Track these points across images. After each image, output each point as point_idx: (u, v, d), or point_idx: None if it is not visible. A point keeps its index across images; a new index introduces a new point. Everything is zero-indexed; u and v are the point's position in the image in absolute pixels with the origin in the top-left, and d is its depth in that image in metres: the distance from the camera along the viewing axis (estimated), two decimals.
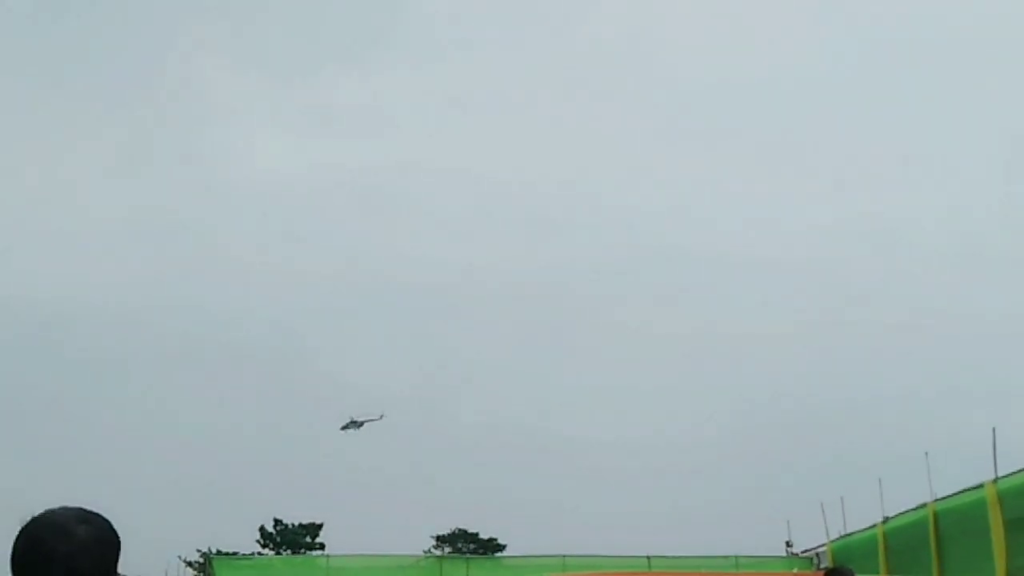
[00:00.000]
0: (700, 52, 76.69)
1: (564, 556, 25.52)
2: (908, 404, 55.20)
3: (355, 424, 55.94)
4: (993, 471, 17.10)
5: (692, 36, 78.60)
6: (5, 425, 56.58)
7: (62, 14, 74.46)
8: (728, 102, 76.20)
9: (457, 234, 71.85)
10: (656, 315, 66.61)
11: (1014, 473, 16.49)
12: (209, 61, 74.66)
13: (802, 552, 26.59)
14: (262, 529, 56.24)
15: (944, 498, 18.98)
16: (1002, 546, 16.16)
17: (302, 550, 53.30)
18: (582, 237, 74.02)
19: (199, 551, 47.79)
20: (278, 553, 53.51)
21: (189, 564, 46.01)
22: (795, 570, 23.32)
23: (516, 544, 48.86)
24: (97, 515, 2.61)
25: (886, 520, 21.48)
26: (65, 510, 2.59)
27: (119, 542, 2.62)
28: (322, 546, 52.82)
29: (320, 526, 55.87)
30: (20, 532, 2.54)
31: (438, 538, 56.60)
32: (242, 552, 48.53)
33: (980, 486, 17.16)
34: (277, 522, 56.40)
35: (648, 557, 24.43)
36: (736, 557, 26.06)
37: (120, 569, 2.65)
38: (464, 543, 56.79)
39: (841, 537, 23.78)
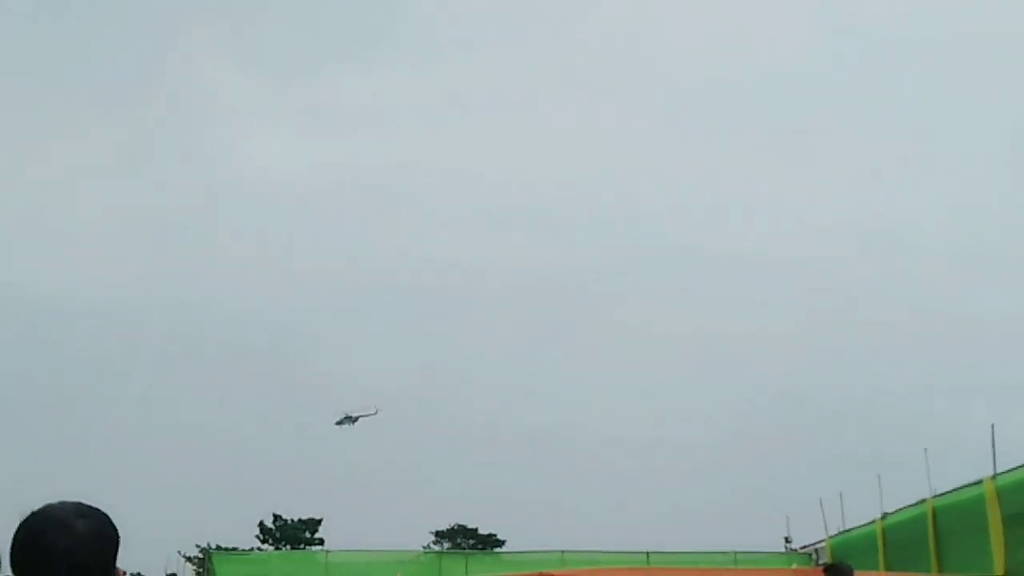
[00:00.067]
0: (700, 51, 76.66)
1: (563, 552, 25.55)
2: (907, 401, 55.28)
3: (349, 419, 55.96)
4: (992, 467, 17.14)
5: (692, 35, 78.55)
6: (5, 422, 56.62)
7: (62, 14, 74.49)
8: (728, 101, 76.17)
9: (456, 233, 71.77)
10: (655, 314, 66.55)
11: (1013, 469, 16.53)
12: (209, 61, 74.66)
13: (801, 548, 26.64)
14: (261, 524, 56.30)
15: (943, 494, 19.02)
16: (1000, 541, 16.19)
17: (301, 545, 53.33)
18: (581, 236, 73.99)
19: (198, 546, 47.82)
20: (277, 548, 53.54)
21: (189, 559, 45.97)
22: (794, 566, 23.33)
23: (515, 540, 48.89)
24: (96, 510, 2.61)
25: (885, 516, 21.51)
26: (64, 505, 2.59)
27: (118, 537, 2.62)
28: (321, 541, 52.82)
29: (319, 521, 55.92)
30: (19, 527, 2.54)
31: (437, 534, 56.65)
32: (241, 547, 48.64)
33: (979, 482, 17.21)
34: (276, 517, 56.45)
35: (647, 553, 24.46)
36: (735, 553, 26.08)
37: (120, 565, 2.65)
38: (463, 539, 56.83)
39: (840, 533, 23.81)
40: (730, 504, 49.82)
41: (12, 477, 40.52)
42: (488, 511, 57.01)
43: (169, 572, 39.88)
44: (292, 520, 56.34)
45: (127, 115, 74.92)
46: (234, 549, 46.38)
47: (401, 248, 70.18)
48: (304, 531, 55.98)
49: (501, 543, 53.47)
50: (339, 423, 55.96)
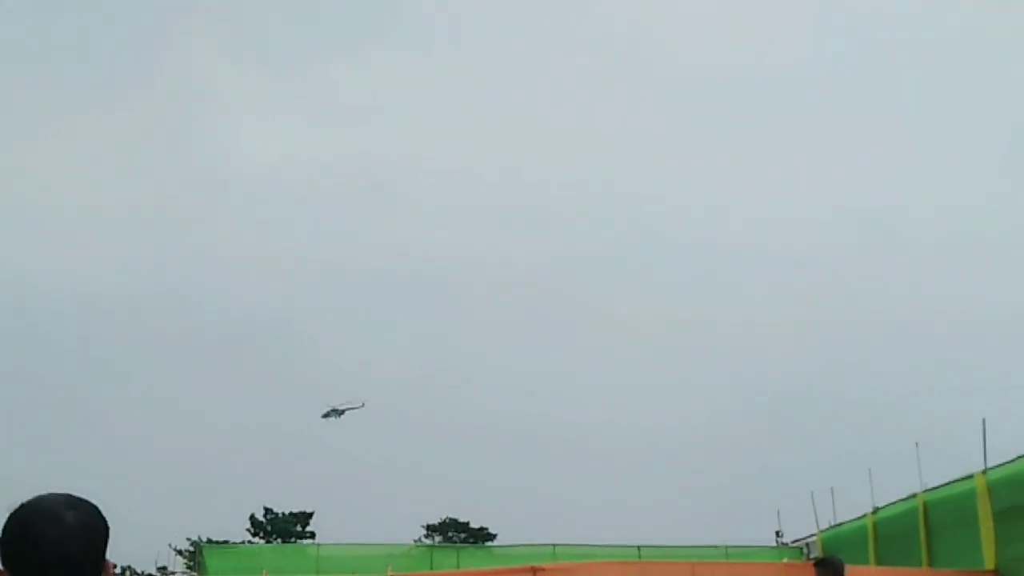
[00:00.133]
0: (698, 48, 76.77)
1: (554, 545, 25.58)
2: (898, 395, 55.43)
3: (336, 412, 56.01)
4: (983, 462, 17.17)
5: (691, 32, 78.60)
6: None
7: (60, 7, 74.31)
8: (725, 98, 76.41)
9: (451, 225, 71.83)
10: (649, 309, 66.76)
11: (1004, 464, 16.55)
12: (206, 55, 74.64)
13: (792, 542, 26.66)
14: (252, 518, 56.23)
15: (934, 488, 19.05)
16: (991, 536, 16.23)
17: (293, 539, 53.31)
18: (577, 231, 74.09)
19: (189, 539, 47.87)
20: (268, 542, 53.50)
21: (179, 553, 46.05)
22: (785, 560, 23.36)
23: (507, 533, 49.04)
24: (86, 501, 2.59)
25: (876, 510, 21.54)
26: (54, 496, 2.57)
27: (107, 528, 2.60)
28: (312, 535, 52.85)
29: (311, 515, 55.90)
30: (9, 518, 2.52)
31: (429, 527, 56.69)
32: (232, 541, 48.57)
33: (970, 477, 17.23)
34: (267, 511, 56.39)
35: (638, 547, 24.46)
36: (726, 547, 26.13)
37: (110, 557, 2.63)
38: (455, 532, 56.86)
39: (831, 527, 23.84)
40: (721, 498, 50.02)
41: (3, 469, 40.48)
42: (479, 505, 57.23)
43: (160, 565, 39.94)
44: (283, 513, 56.30)
45: (123, 106, 74.87)
46: (225, 542, 46.25)
47: (394, 242, 70.24)
48: (295, 524, 55.94)
49: (492, 537, 53.52)
50: (325, 416, 56.04)
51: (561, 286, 70.71)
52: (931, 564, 17.99)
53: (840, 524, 23.45)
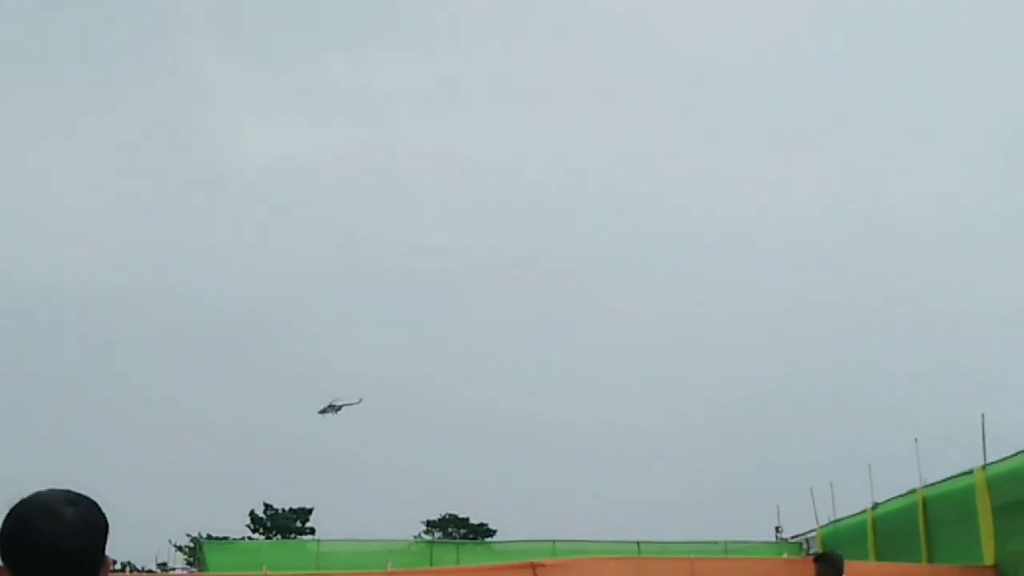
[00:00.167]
0: (700, 47, 76.77)
1: (554, 541, 25.60)
2: (898, 391, 55.49)
3: (333, 408, 55.94)
4: (982, 457, 17.18)
5: (689, 26, 78.59)
6: None
7: (60, 7, 74.32)
8: (724, 93, 76.26)
9: (448, 220, 71.81)
10: (646, 303, 66.73)
11: (1003, 459, 16.56)
12: (206, 52, 74.55)
13: (791, 538, 26.69)
14: (252, 514, 56.27)
15: (933, 484, 19.06)
16: (990, 532, 16.24)
17: (292, 535, 53.35)
18: (573, 224, 74.11)
19: (189, 536, 47.90)
20: (268, 538, 53.52)
21: (179, 549, 46.04)
22: (784, 556, 23.39)
23: (506, 529, 49.04)
24: (85, 497, 2.59)
25: (875, 506, 21.56)
26: (53, 492, 2.57)
27: (107, 525, 2.60)
28: (312, 531, 52.87)
29: (310, 511, 55.93)
30: (8, 514, 2.53)
31: (428, 523, 56.72)
32: (232, 537, 48.64)
33: (969, 472, 17.24)
34: (267, 507, 56.43)
35: (638, 543, 24.51)
36: (725, 543, 26.16)
37: (111, 554, 2.63)
38: (454, 528, 56.90)
39: (830, 523, 23.86)
40: (721, 494, 50.10)
41: (3, 467, 40.48)
42: (479, 501, 57.19)
43: (160, 561, 39.92)
44: (283, 510, 56.34)
45: (119, 101, 74.80)
46: (225, 538, 46.35)
47: (394, 240, 70.21)
48: (295, 521, 55.98)
49: (492, 532, 53.57)
50: (322, 412, 55.96)
51: (561, 284, 70.72)
52: (930, 560, 18.01)
53: (840, 520, 23.47)
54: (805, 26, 73.76)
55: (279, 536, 53.63)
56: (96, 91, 75.07)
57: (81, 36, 76.19)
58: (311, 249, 70.40)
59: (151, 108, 72.72)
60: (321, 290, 70.43)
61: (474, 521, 56.66)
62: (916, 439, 20.67)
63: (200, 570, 27.84)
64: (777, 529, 27.85)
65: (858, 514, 22.21)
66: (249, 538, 52.17)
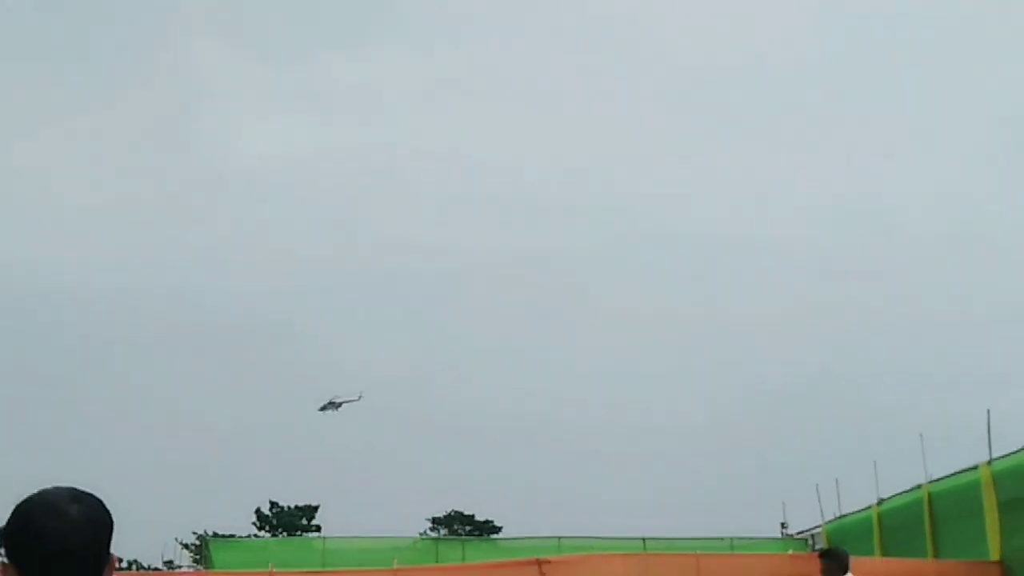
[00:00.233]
0: (693, 40, 76.67)
1: (560, 538, 25.60)
2: (903, 387, 55.45)
3: (333, 405, 55.95)
4: (988, 453, 17.17)
5: (687, 24, 78.45)
6: (2, 409, 56.66)
7: (60, 7, 74.35)
8: (722, 90, 76.19)
9: (448, 220, 71.83)
10: (646, 301, 66.70)
11: (1008, 455, 16.56)
12: (206, 52, 74.56)
13: (797, 534, 26.69)
14: (258, 511, 56.35)
15: (939, 480, 19.06)
16: (996, 527, 16.23)
17: (298, 532, 53.42)
18: (573, 224, 74.07)
19: (195, 533, 47.93)
20: (274, 535, 53.60)
21: (186, 546, 46.09)
22: (790, 552, 23.38)
23: (512, 526, 49.04)
24: (90, 495, 2.60)
25: (881, 502, 21.56)
26: (58, 490, 2.58)
27: (112, 522, 2.61)
28: (318, 528, 52.93)
29: (316, 508, 56.00)
30: (13, 512, 2.54)
31: (434, 520, 56.77)
32: (238, 534, 48.74)
33: (974, 468, 17.24)
34: (273, 504, 56.50)
35: (643, 539, 24.50)
36: (731, 539, 26.12)
37: (116, 551, 2.64)
38: (460, 525, 56.94)
39: (836, 519, 23.86)
40: (726, 490, 50.07)
41: (8, 464, 40.57)
42: (485, 497, 57.31)
43: (166, 559, 40.03)
44: (289, 507, 56.42)
45: (124, 107, 74.76)
46: (231, 536, 46.48)
47: (394, 239, 70.19)
48: (301, 518, 56.05)
49: (498, 529, 53.59)
50: (322, 409, 56.01)
51: (561, 284, 70.65)
52: (936, 555, 18.00)
53: (845, 515, 23.47)
54: (805, 26, 73.69)
55: (285, 534, 53.71)
56: (96, 91, 75.20)
57: (81, 36, 76.27)
58: (311, 249, 70.42)
59: (151, 108, 72.78)
60: (323, 289, 70.48)
61: (480, 518, 56.71)
62: (921, 435, 20.67)
63: (206, 568, 27.87)
64: (783, 525, 27.87)
65: (863, 510, 22.21)
66: (255, 536, 52.27)
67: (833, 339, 61.65)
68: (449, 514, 57.15)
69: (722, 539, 25.94)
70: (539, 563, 15.51)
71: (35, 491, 2.58)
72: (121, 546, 2.65)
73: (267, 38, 78.30)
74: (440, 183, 74.12)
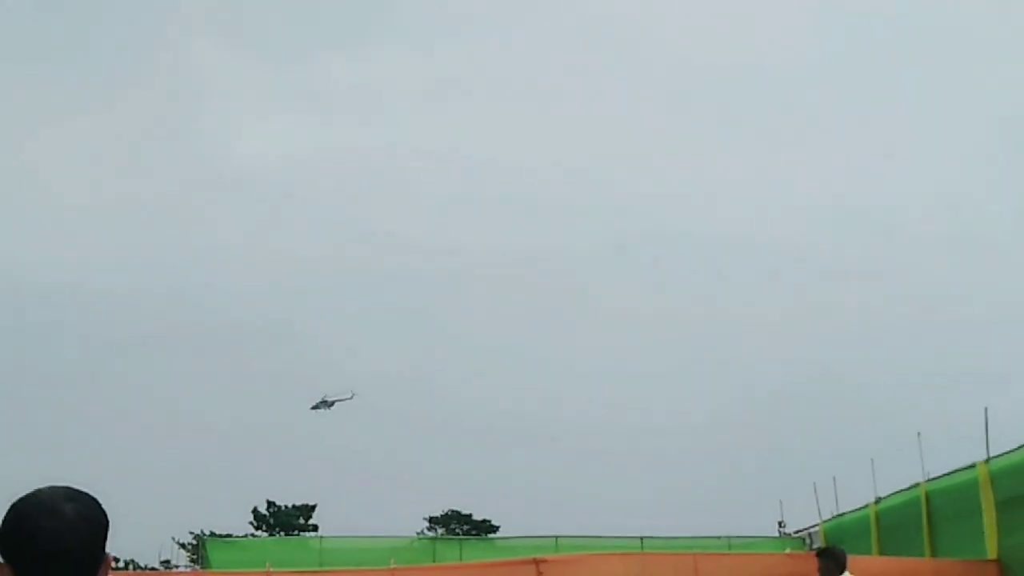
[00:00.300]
0: (697, 39, 76.69)
1: (557, 537, 25.60)
2: (900, 385, 55.51)
3: (325, 404, 55.92)
4: (985, 452, 17.17)
5: (688, 24, 78.42)
6: (2, 409, 56.63)
7: (60, 7, 74.29)
8: (722, 91, 76.26)
9: (448, 220, 71.81)
10: (646, 301, 66.76)
11: (1006, 453, 16.56)
12: (206, 52, 74.51)
13: (795, 532, 26.69)
14: (255, 511, 56.30)
15: (936, 478, 19.06)
16: (993, 526, 16.23)
17: (295, 532, 53.38)
18: (573, 224, 74.09)
19: (192, 533, 47.93)
20: (271, 535, 53.56)
21: (183, 546, 46.10)
22: (788, 551, 23.38)
23: (509, 525, 49.10)
24: (85, 494, 2.59)
25: (878, 500, 21.56)
26: (53, 489, 2.56)
27: (107, 522, 2.59)
28: (315, 528, 52.88)
29: (313, 508, 55.96)
30: (7, 511, 2.52)
31: (431, 520, 56.75)
32: (235, 534, 48.72)
33: (972, 466, 17.24)
34: (270, 504, 56.46)
35: (641, 538, 24.51)
36: (729, 538, 26.14)
37: (113, 551, 2.63)
38: (458, 524, 56.93)
39: (834, 517, 23.87)
40: (724, 489, 50.07)
41: (8, 464, 40.52)
42: (482, 497, 57.33)
43: (163, 558, 40.03)
44: (286, 506, 56.38)
45: (124, 107, 74.71)
46: (228, 535, 46.45)
47: (394, 239, 70.19)
48: (298, 517, 56.02)
49: (495, 529, 53.56)
50: (315, 408, 55.99)
51: (561, 284, 70.69)
52: (934, 554, 18.00)
53: (842, 514, 23.48)
54: (805, 26, 73.68)
55: (282, 533, 53.67)
56: (96, 91, 75.10)
57: (81, 36, 76.20)
58: (311, 249, 70.39)
59: (151, 108, 72.69)
60: (322, 289, 70.45)
61: (477, 517, 56.70)
62: (919, 433, 20.67)
63: (203, 567, 27.84)
64: (780, 524, 27.88)
65: (861, 508, 22.22)
66: (252, 535, 52.24)
67: (833, 339, 61.74)
68: (446, 513, 57.14)
69: (719, 538, 25.96)
70: (537, 562, 15.50)
71: (30, 490, 2.56)
72: (118, 546, 2.63)
73: (267, 38, 78.29)
74: (440, 183, 74.13)
